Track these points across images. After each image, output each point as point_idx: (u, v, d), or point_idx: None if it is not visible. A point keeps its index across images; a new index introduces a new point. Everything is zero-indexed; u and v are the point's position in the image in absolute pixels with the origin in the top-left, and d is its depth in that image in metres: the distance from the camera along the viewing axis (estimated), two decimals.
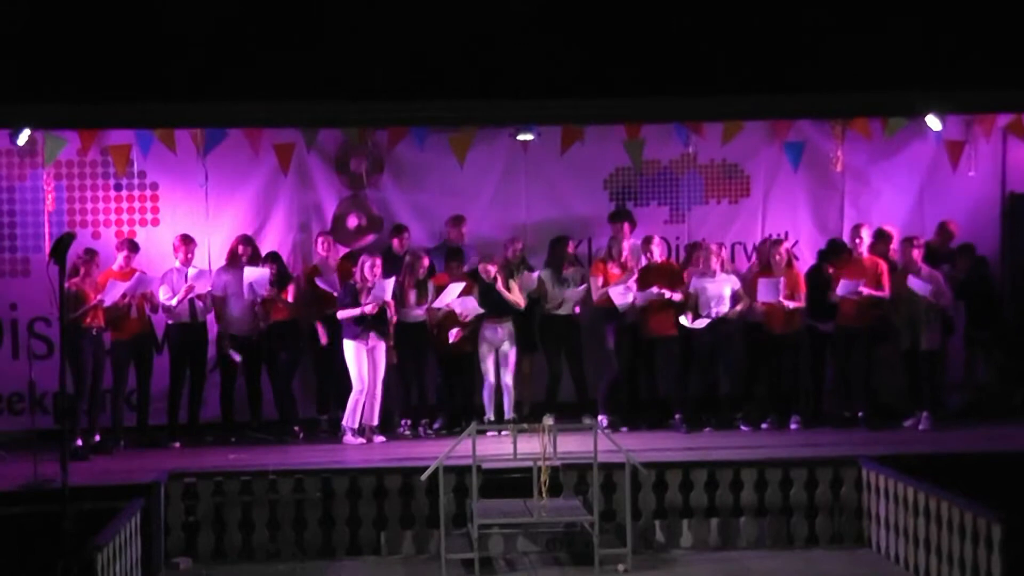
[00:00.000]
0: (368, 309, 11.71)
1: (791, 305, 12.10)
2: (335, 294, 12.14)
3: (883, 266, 12.23)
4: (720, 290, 12.22)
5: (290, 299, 12.28)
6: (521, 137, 12.73)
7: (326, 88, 9.90)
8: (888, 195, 13.34)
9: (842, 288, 12.06)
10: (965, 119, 13.02)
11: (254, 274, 12.10)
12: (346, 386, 11.94)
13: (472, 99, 10.27)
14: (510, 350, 12.26)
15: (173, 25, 9.57)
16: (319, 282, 12.30)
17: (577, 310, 12.51)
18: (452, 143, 12.60)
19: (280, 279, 12.27)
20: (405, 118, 11.65)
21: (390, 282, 11.84)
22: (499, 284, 12.18)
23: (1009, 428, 11.89)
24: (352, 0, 9.83)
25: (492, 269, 12.22)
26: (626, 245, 12.44)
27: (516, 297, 12.24)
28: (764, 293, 12.11)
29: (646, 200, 13.34)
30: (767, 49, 9.99)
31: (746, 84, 10.09)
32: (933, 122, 12.31)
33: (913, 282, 11.97)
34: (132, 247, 12.10)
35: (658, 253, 12.37)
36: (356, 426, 11.89)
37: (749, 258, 13.14)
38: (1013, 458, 10.38)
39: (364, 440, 11.85)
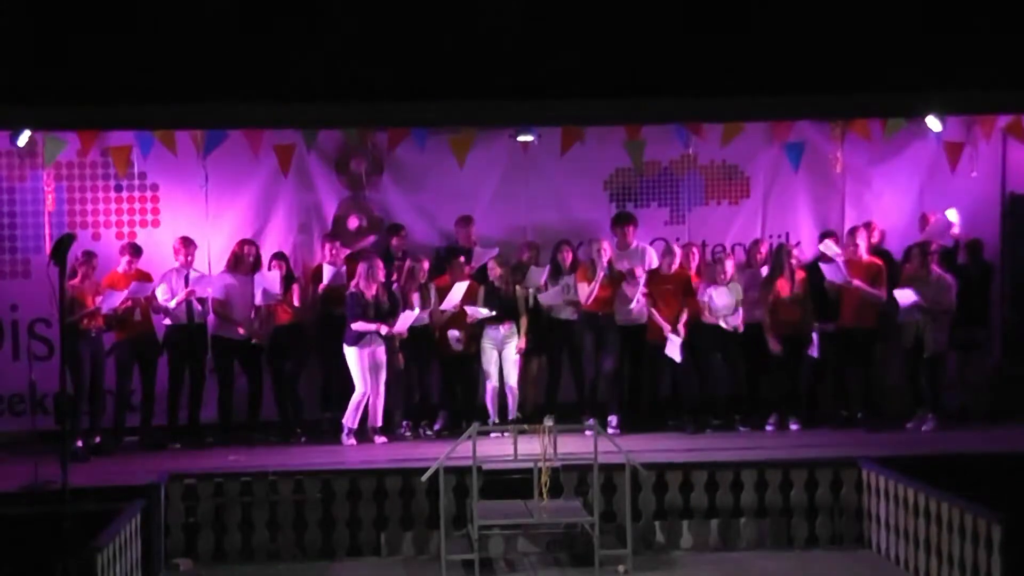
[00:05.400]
0: (396, 330, 11.87)
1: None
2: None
3: (882, 267, 12.23)
4: (729, 299, 12.22)
5: (295, 302, 12.28)
6: (521, 138, 12.72)
7: (326, 89, 9.89)
8: (888, 196, 13.33)
9: (829, 273, 12.04)
10: (965, 120, 13.01)
11: (266, 280, 12.10)
12: (349, 386, 11.92)
13: (472, 100, 10.26)
14: (513, 351, 12.25)
15: (172, 25, 9.57)
16: (325, 280, 12.30)
17: (575, 315, 12.47)
18: (452, 144, 12.60)
19: (286, 280, 12.26)
20: (405, 119, 11.64)
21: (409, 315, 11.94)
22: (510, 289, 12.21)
23: (1008, 429, 11.90)
24: (352, 0, 9.83)
25: (499, 270, 12.21)
26: (607, 247, 12.34)
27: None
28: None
29: (646, 201, 13.34)
30: (767, 49, 9.98)
31: (746, 84, 10.09)
32: (933, 123, 12.32)
33: (899, 294, 11.94)
34: (135, 251, 12.10)
35: (667, 263, 12.35)
36: (355, 426, 11.89)
37: (748, 260, 13.09)
38: (1013, 458, 10.39)
39: (362, 441, 11.84)
